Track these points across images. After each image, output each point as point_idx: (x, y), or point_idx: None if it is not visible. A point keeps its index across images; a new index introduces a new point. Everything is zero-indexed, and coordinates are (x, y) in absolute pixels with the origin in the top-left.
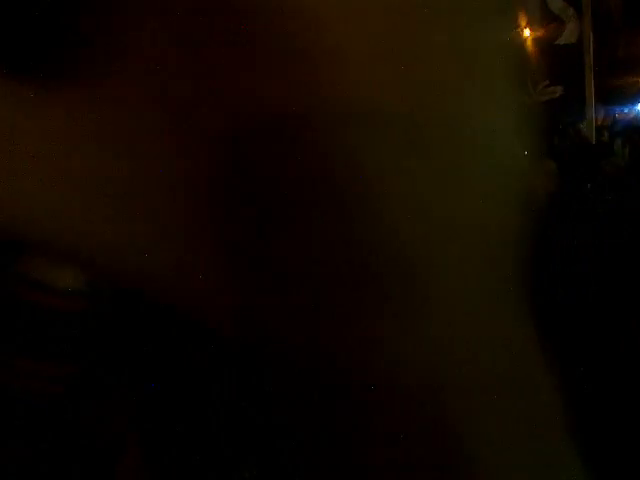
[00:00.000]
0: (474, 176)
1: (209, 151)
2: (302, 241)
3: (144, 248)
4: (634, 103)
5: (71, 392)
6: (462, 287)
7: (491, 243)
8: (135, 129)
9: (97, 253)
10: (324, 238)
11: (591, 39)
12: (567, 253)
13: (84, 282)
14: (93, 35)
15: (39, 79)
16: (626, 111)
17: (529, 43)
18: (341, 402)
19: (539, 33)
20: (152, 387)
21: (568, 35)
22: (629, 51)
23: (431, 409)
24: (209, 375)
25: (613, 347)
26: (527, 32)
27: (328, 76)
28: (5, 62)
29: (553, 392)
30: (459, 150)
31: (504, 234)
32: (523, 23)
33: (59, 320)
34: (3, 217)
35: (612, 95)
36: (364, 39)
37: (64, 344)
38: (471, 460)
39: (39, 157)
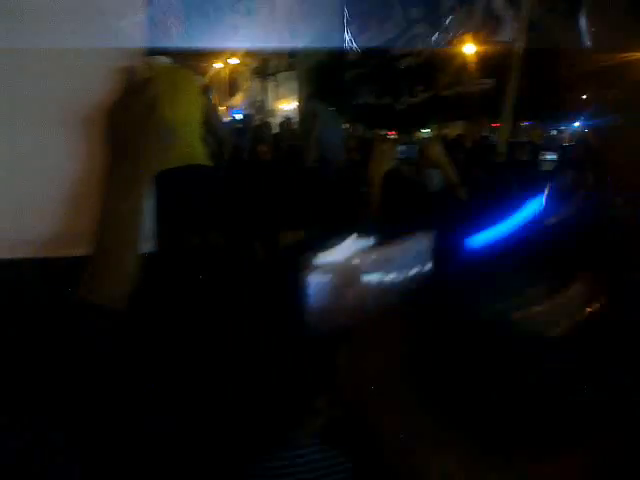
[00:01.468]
0: None
1: None
2: None
3: None
4: (571, 121)
5: None
6: None
7: None
8: None
9: None
10: None
11: (523, 42)
12: None
13: None
14: None
15: None
16: (562, 128)
17: (470, 38)
18: None
19: (480, 29)
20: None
21: (504, 33)
22: (572, 70)
23: None
24: None
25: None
26: (470, 28)
27: None
28: None
29: None
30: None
31: None
32: (468, 20)
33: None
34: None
35: (553, 112)
36: None
37: None
38: None
39: None
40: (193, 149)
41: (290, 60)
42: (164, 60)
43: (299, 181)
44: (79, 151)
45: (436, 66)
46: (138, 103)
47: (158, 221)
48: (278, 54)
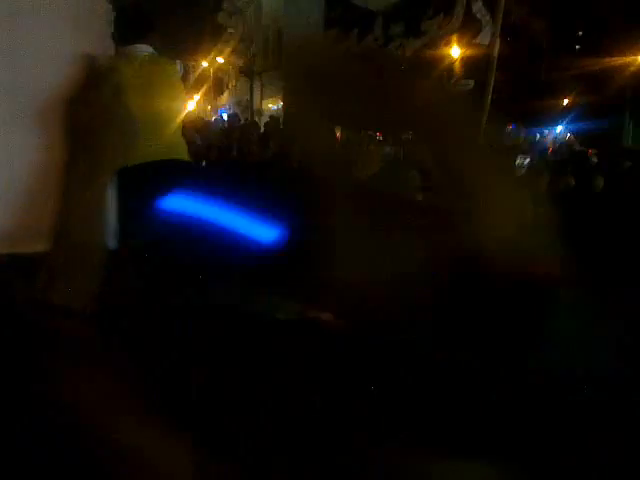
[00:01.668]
0: None
1: None
2: None
3: None
4: (554, 125)
5: None
6: None
7: None
8: None
9: None
10: None
11: (497, 47)
12: None
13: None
14: None
15: None
16: (546, 132)
17: (451, 41)
18: None
19: (461, 32)
20: None
21: (483, 37)
22: (551, 75)
23: None
24: None
25: None
26: (451, 30)
27: None
28: None
29: None
30: None
31: None
32: (448, 23)
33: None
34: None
35: (533, 116)
36: None
37: None
38: None
39: None
40: (172, 144)
41: (276, 60)
42: (146, 49)
43: (284, 181)
44: (36, 144)
45: (416, 68)
46: (100, 94)
47: (128, 216)
48: (264, 53)
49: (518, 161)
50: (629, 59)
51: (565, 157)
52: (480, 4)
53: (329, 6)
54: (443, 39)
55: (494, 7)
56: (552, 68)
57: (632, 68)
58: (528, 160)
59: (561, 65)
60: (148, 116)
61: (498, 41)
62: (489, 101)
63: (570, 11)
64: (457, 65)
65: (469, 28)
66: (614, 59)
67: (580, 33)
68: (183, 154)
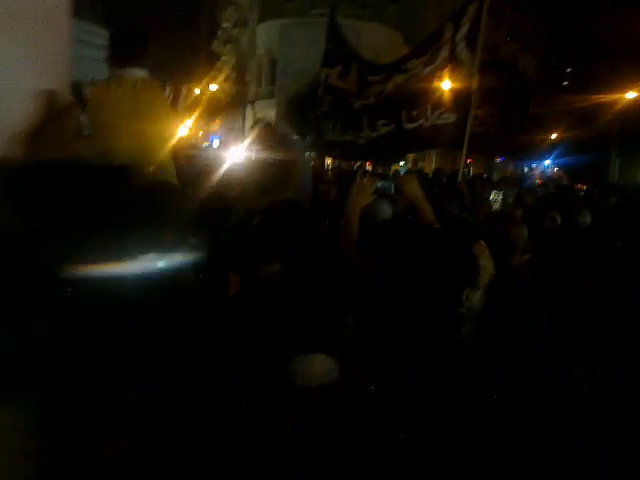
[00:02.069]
0: None
1: None
2: None
3: None
4: (541, 159)
5: None
6: None
7: None
8: None
9: None
10: None
11: (476, 84)
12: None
13: None
14: None
15: None
16: (534, 166)
17: (434, 77)
18: None
19: (444, 70)
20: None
21: (465, 73)
22: (540, 110)
23: None
24: None
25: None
26: (436, 69)
27: None
28: None
29: None
30: None
31: None
32: (434, 62)
33: None
34: None
35: (522, 150)
36: None
37: None
38: None
39: None
40: (161, 166)
41: (269, 88)
42: (139, 73)
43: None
44: None
45: (399, 102)
46: (59, 129)
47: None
48: (257, 82)
49: (492, 196)
50: (616, 96)
51: (552, 191)
52: (463, 45)
53: (329, 39)
54: (427, 76)
55: (474, 48)
56: (540, 103)
57: (618, 105)
58: (501, 195)
59: (549, 100)
60: (138, 137)
61: (477, 79)
62: (469, 134)
63: (559, 48)
64: (439, 100)
65: (452, 67)
66: (601, 96)
67: (568, 70)
68: (172, 177)
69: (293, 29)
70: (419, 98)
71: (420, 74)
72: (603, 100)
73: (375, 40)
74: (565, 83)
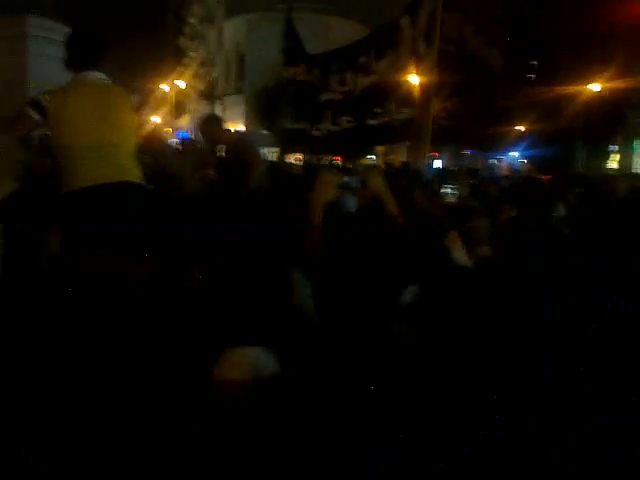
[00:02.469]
0: None
1: None
2: None
3: None
4: (509, 151)
5: None
6: None
7: None
8: None
9: None
10: None
11: (434, 78)
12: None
13: None
14: None
15: None
16: (501, 157)
17: (397, 75)
18: None
19: (406, 68)
20: None
21: (424, 68)
22: (506, 102)
23: None
24: None
25: None
26: (399, 68)
27: None
28: None
29: None
30: None
31: None
32: (396, 61)
33: None
34: None
35: (489, 142)
36: None
37: None
38: None
39: None
40: (124, 167)
41: (238, 84)
42: (99, 76)
43: (238, 206)
44: None
45: (365, 101)
46: None
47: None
48: (226, 77)
49: (442, 190)
50: (580, 88)
51: (519, 183)
52: (422, 42)
53: (285, 37)
54: (391, 76)
55: (432, 43)
56: (507, 96)
57: (583, 96)
58: (453, 189)
59: (515, 93)
60: (100, 140)
61: (435, 72)
62: (430, 126)
63: (524, 41)
64: (399, 95)
65: (412, 62)
66: (566, 87)
67: (534, 62)
68: (136, 176)
69: (260, 24)
70: (382, 95)
71: (384, 75)
72: (568, 92)
73: (342, 35)
74: (530, 76)
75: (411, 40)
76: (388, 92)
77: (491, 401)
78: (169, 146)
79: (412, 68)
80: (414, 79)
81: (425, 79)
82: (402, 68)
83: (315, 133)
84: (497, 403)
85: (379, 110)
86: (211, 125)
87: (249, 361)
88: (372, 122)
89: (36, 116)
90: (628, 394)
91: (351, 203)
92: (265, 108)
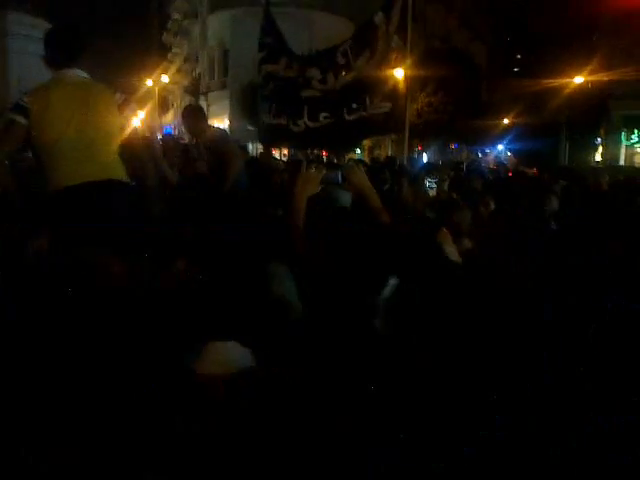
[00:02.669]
0: None
1: None
2: None
3: None
4: (494, 144)
5: None
6: None
7: None
8: None
9: None
10: None
11: (409, 72)
12: None
13: None
14: None
15: None
16: (487, 151)
17: (375, 71)
18: None
19: (383, 63)
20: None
21: (400, 64)
22: (491, 96)
23: None
24: None
25: None
26: (376, 64)
27: None
28: None
29: None
30: None
31: None
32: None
33: None
34: None
35: (475, 136)
36: None
37: None
38: None
39: None
40: (109, 165)
41: (222, 79)
42: (79, 74)
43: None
44: None
45: (343, 98)
46: None
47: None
48: (210, 73)
49: (426, 183)
50: (564, 81)
51: (504, 176)
52: (396, 38)
53: (263, 31)
54: (367, 70)
55: (405, 38)
56: (492, 90)
57: (567, 90)
58: (435, 182)
59: (500, 87)
60: (82, 139)
61: (410, 67)
62: (407, 120)
63: (509, 36)
64: (376, 90)
65: (388, 57)
66: (550, 81)
67: (518, 56)
68: (120, 174)
69: (244, 19)
70: (359, 90)
71: (361, 69)
72: (552, 85)
73: (328, 30)
74: (515, 69)
75: (385, 36)
76: (365, 88)
77: (490, 400)
78: (153, 144)
79: (388, 64)
80: (390, 74)
81: (401, 74)
82: (378, 64)
83: (294, 129)
84: (496, 402)
85: (355, 105)
86: (193, 116)
87: (231, 356)
88: (349, 117)
89: (22, 120)
90: (628, 394)
91: (345, 198)
92: (250, 103)
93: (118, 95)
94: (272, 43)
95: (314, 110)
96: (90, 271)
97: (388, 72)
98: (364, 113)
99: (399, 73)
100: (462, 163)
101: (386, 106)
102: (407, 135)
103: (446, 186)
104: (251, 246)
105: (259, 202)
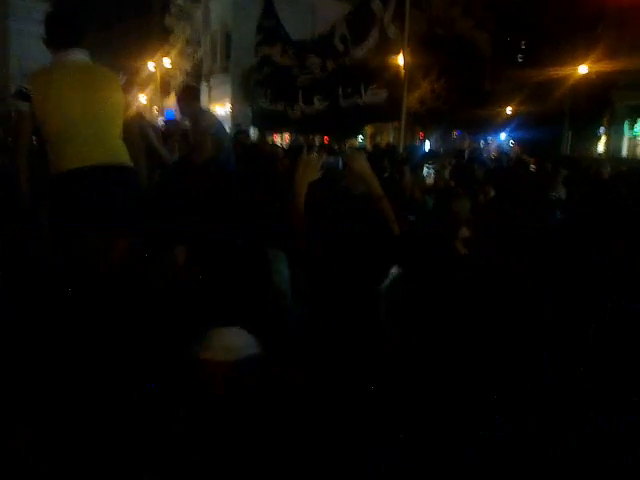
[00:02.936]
0: None
1: None
2: None
3: None
4: (497, 133)
5: None
6: None
7: None
8: None
9: None
10: None
11: (405, 56)
12: None
13: None
14: None
15: None
16: (490, 139)
17: (367, 55)
18: None
19: (378, 51)
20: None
21: (395, 50)
22: (494, 85)
23: None
24: None
25: None
26: (372, 52)
27: None
28: None
29: None
30: None
31: None
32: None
33: None
34: None
35: (477, 124)
36: None
37: None
38: None
39: None
40: (112, 148)
41: (224, 63)
42: (81, 57)
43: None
44: None
45: (336, 81)
46: None
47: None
48: (212, 57)
49: (424, 170)
50: (568, 71)
51: (507, 165)
52: (393, 28)
53: (263, 14)
54: (361, 56)
55: (403, 25)
56: (495, 78)
57: (571, 80)
58: (432, 169)
59: (504, 75)
60: (85, 121)
61: (406, 55)
62: (404, 108)
63: (513, 24)
64: (372, 78)
65: (384, 45)
66: (554, 70)
67: (522, 45)
68: (124, 158)
69: (246, 2)
70: (354, 77)
71: (355, 55)
72: (555, 74)
73: (330, 14)
74: (519, 57)
75: (380, 24)
76: (359, 74)
77: (489, 400)
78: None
79: (384, 52)
80: (387, 62)
81: (397, 61)
82: (372, 52)
83: (291, 114)
84: (495, 402)
85: (350, 90)
86: (186, 96)
87: (235, 343)
88: (344, 104)
89: (26, 107)
90: (628, 394)
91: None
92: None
93: (120, 76)
94: (269, 26)
95: (308, 93)
96: (93, 255)
97: (385, 59)
98: (359, 100)
99: (397, 60)
100: (464, 151)
101: (383, 93)
102: (404, 124)
103: (447, 174)
104: (250, 232)
105: (256, 189)
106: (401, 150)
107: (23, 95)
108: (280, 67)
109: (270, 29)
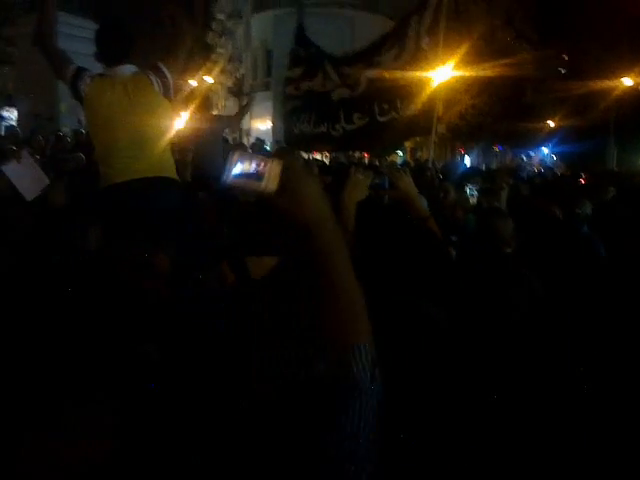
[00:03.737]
0: None
1: None
2: None
3: None
4: (539, 146)
5: None
6: None
7: None
8: None
9: None
10: None
11: (440, 69)
12: None
13: None
14: None
15: None
16: (532, 155)
17: (401, 69)
18: None
19: (412, 63)
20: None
21: (429, 66)
22: (536, 97)
23: None
24: None
25: None
26: (404, 62)
27: None
28: None
29: None
30: None
31: None
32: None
33: None
34: None
35: (519, 138)
36: None
37: None
38: None
39: None
40: (160, 162)
41: (265, 80)
42: (131, 69)
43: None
44: None
45: (372, 96)
46: None
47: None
48: (253, 74)
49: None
50: (613, 83)
51: (550, 180)
52: (427, 39)
53: (297, 42)
54: (396, 70)
55: (437, 42)
56: (537, 91)
57: (616, 92)
58: (475, 189)
59: (546, 88)
60: (135, 134)
61: (443, 69)
62: (436, 122)
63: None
64: (407, 92)
65: (419, 59)
66: (598, 83)
67: (565, 57)
68: (171, 171)
69: (287, 20)
70: (390, 91)
71: (389, 68)
72: (599, 86)
73: (369, 30)
74: (561, 70)
75: (416, 36)
76: (394, 89)
77: (490, 399)
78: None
79: (418, 64)
80: (423, 76)
81: (432, 76)
82: (406, 64)
83: (334, 134)
84: (495, 401)
85: (386, 106)
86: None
87: None
88: (382, 119)
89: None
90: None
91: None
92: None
93: (157, 81)
94: (307, 57)
95: (348, 112)
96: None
97: (421, 74)
98: (396, 115)
99: (435, 75)
100: (514, 169)
101: (418, 108)
102: (433, 138)
103: (505, 196)
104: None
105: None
106: (430, 165)
107: (75, 93)
108: (321, 93)
109: (308, 60)
